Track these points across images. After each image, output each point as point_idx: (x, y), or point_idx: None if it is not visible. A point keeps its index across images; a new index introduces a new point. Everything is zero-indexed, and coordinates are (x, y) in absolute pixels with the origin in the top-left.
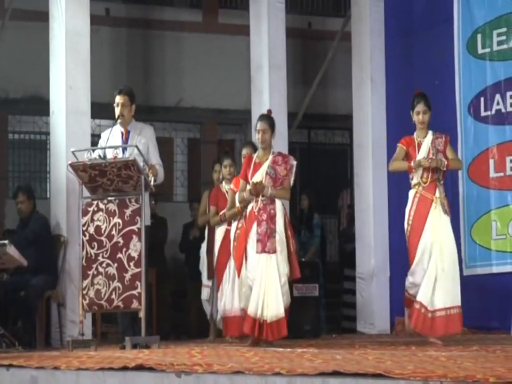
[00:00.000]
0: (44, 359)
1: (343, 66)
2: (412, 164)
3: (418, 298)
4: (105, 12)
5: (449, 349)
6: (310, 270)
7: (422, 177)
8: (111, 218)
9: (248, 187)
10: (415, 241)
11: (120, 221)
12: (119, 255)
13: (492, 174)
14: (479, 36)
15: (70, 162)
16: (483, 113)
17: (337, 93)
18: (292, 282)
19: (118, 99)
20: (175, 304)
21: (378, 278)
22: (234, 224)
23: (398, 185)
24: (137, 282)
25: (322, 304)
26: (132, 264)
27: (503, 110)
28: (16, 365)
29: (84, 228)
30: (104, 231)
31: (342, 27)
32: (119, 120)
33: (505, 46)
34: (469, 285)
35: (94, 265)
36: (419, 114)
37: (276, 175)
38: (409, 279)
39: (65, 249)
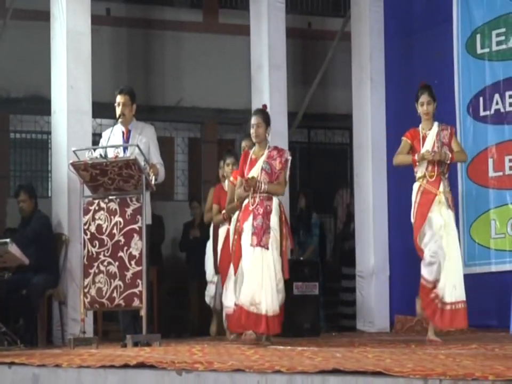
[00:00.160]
0: (45, 357)
1: (343, 66)
2: (416, 157)
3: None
4: (106, 11)
5: (449, 347)
6: (309, 268)
7: (426, 170)
8: (112, 217)
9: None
10: (418, 226)
11: (121, 219)
12: (120, 253)
13: (491, 173)
14: (478, 36)
15: (71, 161)
16: (482, 113)
17: (337, 92)
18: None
19: (119, 98)
20: (176, 303)
21: (378, 277)
22: (234, 217)
23: (397, 185)
24: (138, 280)
25: (321, 303)
26: (133, 262)
27: (502, 110)
28: (18, 363)
29: (85, 227)
30: (105, 230)
31: (341, 27)
32: (120, 120)
33: (504, 46)
34: (468, 283)
35: (95, 264)
36: (423, 105)
37: (271, 170)
38: (425, 269)
39: (67, 248)
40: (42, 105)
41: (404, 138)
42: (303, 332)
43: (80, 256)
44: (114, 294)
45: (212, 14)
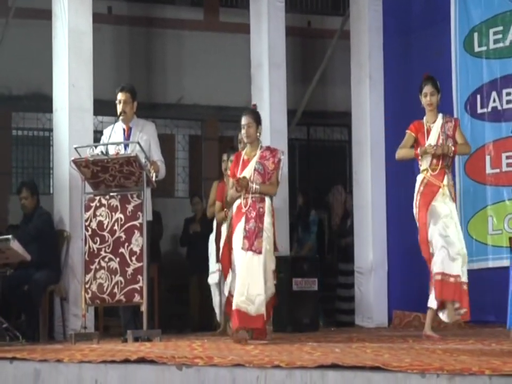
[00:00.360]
0: (47, 352)
1: (342, 64)
2: (418, 151)
3: (436, 270)
4: (108, 10)
5: (446, 342)
6: (309, 264)
7: (431, 163)
8: (113, 214)
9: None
10: (422, 218)
11: (122, 216)
12: (121, 249)
13: (488, 170)
14: (475, 35)
15: (72, 158)
16: (479, 110)
17: (336, 90)
18: None
19: (120, 96)
20: (176, 299)
21: (376, 273)
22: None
23: (396, 181)
24: (139, 276)
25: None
26: (133, 258)
27: (499, 107)
28: (20, 358)
29: (87, 223)
30: (107, 226)
31: (341, 26)
32: (121, 117)
33: (501, 44)
34: None
35: (97, 260)
36: (427, 96)
37: (264, 170)
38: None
39: (68, 244)
40: (44, 102)
41: (407, 131)
42: (302, 327)
43: (81, 252)
44: (115, 290)
45: (213, 12)
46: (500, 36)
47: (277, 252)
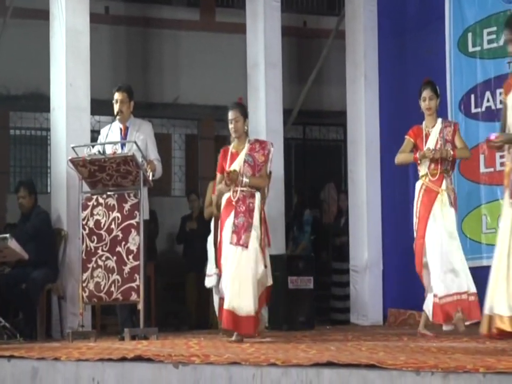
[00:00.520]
0: (44, 350)
1: (338, 64)
2: (417, 155)
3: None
4: (105, 10)
5: (440, 340)
6: (304, 263)
7: (429, 168)
8: (110, 213)
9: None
10: (421, 231)
11: (119, 215)
12: (118, 248)
13: (482, 169)
14: (469, 35)
15: (70, 157)
16: (473, 110)
17: (331, 90)
18: None
19: (117, 96)
20: (172, 297)
21: (371, 271)
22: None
23: (391, 180)
24: (136, 275)
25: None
26: (130, 257)
27: (493, 107)
28: (17, 356)
29: (84, 222)
30: (104, 225)
31: (336, 26)
32: (118, 117)
33: (495, 45)
34: None
35: (94, 259)
36: (425, 100)
37: (254, 162)
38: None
39: (66, 243)
40: (41, 102)
41: (406, 137)
42: (297, 325)
43: (78, 251)
44: (112, 288)
45: (209, 12)
46: (493, 36)
47: (269, 247)
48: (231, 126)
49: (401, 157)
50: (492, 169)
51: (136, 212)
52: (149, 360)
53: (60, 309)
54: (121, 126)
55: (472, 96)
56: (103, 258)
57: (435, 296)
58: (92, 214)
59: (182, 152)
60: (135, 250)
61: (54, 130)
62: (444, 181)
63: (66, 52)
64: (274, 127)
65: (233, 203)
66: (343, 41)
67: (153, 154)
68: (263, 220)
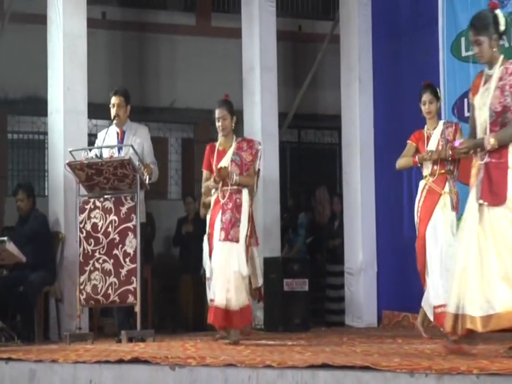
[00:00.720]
0: (42, 353)
1: (332, 68)
2: (417, 158)
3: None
4: (102, 15)
5: (434, 341)
6: (299, 265)
7: (432, 169)
8: (107, 216)
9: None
10: (422, 232)
11: (116, 218)
12: (115, 251)
13: None
14: (463, 39)
15: (67, 161)
16: (467, 114)
17: (326, 93)
18: None
19: (114, 100)
20: (169, 299)
21: (366, 273)
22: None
23: (385, 183)
24: (133, 277)
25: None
26: (127, 260)
27: None
28: (15, 358)
29: (81, 225)
30: (101, 228)
31: (331, 30)
32: (114, 121)
33: None
34: None
35: (91, 261)
36: (425, 104)
37: (241, 161)
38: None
39: (63, 246)
40: (39, 106)
41: (408, 141)
42: (293, 327)
43: (76, 253)
44: (109, 291)
45: (205, 17)
46: None
47: (257, 246)
48: (218, 124)
49: (402, 162)
50: None
51: (133, 215)
52: (145, 362)
53: (58, 311)
54: (118, 130)
55: (466, 100)
56: (100, 261)
57: (435, 307)
58: (89, 217)
59: (179, 155)
60: (132, 253)
61: (51, 134)
62: (447, 183)
63: (64, 56)
64: (270, 131)
65: (221, 202)
66: (337, 45)
67: (149, 158)
68: (250, 218)
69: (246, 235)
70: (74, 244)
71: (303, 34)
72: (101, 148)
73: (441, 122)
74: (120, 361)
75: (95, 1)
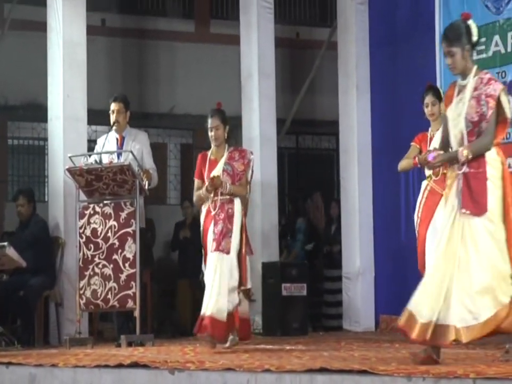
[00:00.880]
0: (42, 357)
1: (330, 74)
2: (416, 159)
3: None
4: (101, 22)
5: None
6: (297, 270)
7: (433, 169)
8: (107, 221)
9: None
10: (423, 233)
11: (115, 223)
12: (115, 256)
13: None
14: None
15: (67, 167)
16: None
17: (324, 99)
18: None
19: (113, 106)
20: (168, 304)
21: (363, 278)
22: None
23: (382, 188)
24: (132, 282)
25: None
26: (127, 265)
27: None
28: (15, 363)
29: (81, 230)
30: (100, 233)
31: (328, 37)
32: (114, 127)
33: (484, 55)
34: None
35: (91, 266)
36: (428, 107)
37: (233, 171)
38: None
39: (63, 251)
40: (39, 112)
41: (412, 143)
42: (291, 331)
43: (76, 258)
44: (109, 296)
45: (204, 24)
46: (483, 47)
47: (251, 255)
48: (211, 133)
49: (403, 163)
50: None
51: (132, 220)
52: (145, 366)
53: (57, 315)
54: (117, 136)
55: None
56: (100, 266)
57: None
58: (88, 223)
59: (178, 161)
60: (131, 258)
61: (51, 140)
62: None
63: (64, 63)
64: (268, 136)
65: (212, 213)
66: (335, 52)
67: (149, 163)
68: (244, 229)
69: (239, 245)
70: (74, 249)
71: (301, 41)
72: (100, 153)
73: None
74: (120, 366)
75: (94, 8)
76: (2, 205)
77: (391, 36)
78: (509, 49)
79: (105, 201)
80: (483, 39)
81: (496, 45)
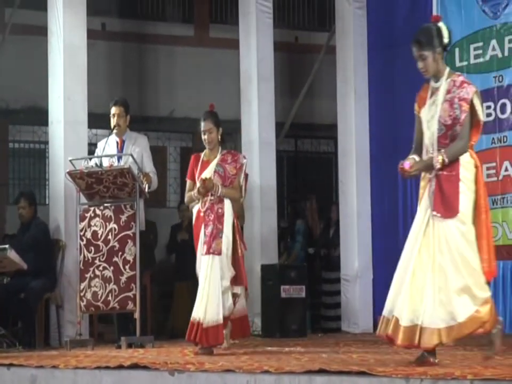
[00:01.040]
0: (43, 359)
1: (328, 78)
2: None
3: None
4: (101, 26)
5: None
6: (296, 272)
7: None
8: (107, 224)
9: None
10: None
11: (115, 226)
12: (115, 258)
13: None
14: (456, 50)
15: (68, 170)
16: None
17: (322, 103)
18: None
19: (114, 110)
20: (168, 306)
21: (362, 280)
22: None
23: (380, 191)
24: (132, 284)
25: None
26: (127, 267)
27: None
28: (17, 364)
29: (81, 233)
30: (101, 236)
31: (327, 41)
32: (115, 130)
33: (481, 60)
34: None
35: (91, 269)
36: None
37: (224, 173)
38: None
39: (64, 253)
40: (40, 116)
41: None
42: (290, 333)
43: (76, 261)
44: (109, 298)
45: (203, 28)
46: (480, 52)
47: (245, 250)
48: (204, 137)
49: None
50: None
51: (132, 223)
52: (145, 367)
53: (58, 317)
54: (117, 139)
55: None
56: (100, 268)
57: None
58: (89, 225)
59: (177, 164)
60: (131, 260)
61: (52, 144)
62: None
63: (64, 67)
64: (267, 140)
65: (202, 214)
66: (333, 56)
67: (149, 166)
68: (236, 228)
69: (232, 245)
70: (74, 252)
71: (300, 45)
72: (100, 157)
73: None
74: (120, 367)
75: (95, 12)
76: (3, 208)
77: (389, 40)
78: (506, 54)
79: (105, 204)
80: (480, 44)
81: (493, 49)
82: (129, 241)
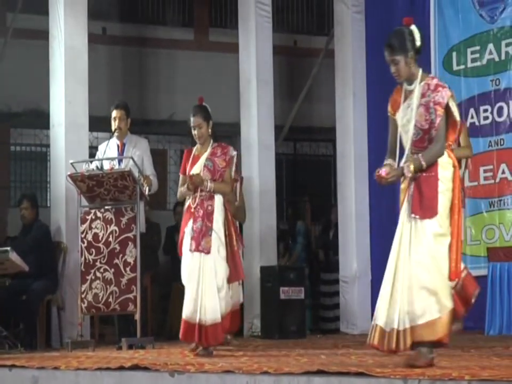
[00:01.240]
0: (44, 360)
1: (327, 82)
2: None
3: None
4: (102, 30)
5: None
6: (296, 274)
7: None
8: (108, 226)
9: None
10: None
11: (116, 228)
12: (116, 260)
13: (467, 183)
14: (454, 54)
15: (69, 173)
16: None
17: (321, 106)
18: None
19: (115, 113)
20: (166, 306)
21: (360, 281)
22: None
23: (379, 193)
24: (133, 286)
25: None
26: (128, 269)
27: (476, 123)
28: (18, 366)
29: (83, 235)
30: (102, 238)
31: (326, 45)
32: (116, 133)
33: (478, 63)
34: None
35: (92, 271)
36: None
37: (214, 167)
38: None
39: (65, 255)
40: (41, 119)
41: None
42: (289, 334)
43: (77, 263)
44: (110, 299)
45: (203, 32)
46: (477, 55)
47: (243, 247)
48: (194, 132)
49: None
50: (476, 183)
51: (133, 225)
52: (145, 369)
53: (59, 319)
54: (118, 142)
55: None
56: (101, 270)
57: None
58: (90, 228)
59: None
60: (132, 262)
61: (53, 147)
62: None
63: (65, 71)
64: (266, 143)
65: (192, 209)
66: (332, 60)
67: (149, 169)
68: (231, 222)
69: (223, 242)
70: (75, 254)
71: (299, 49)
72: (101, 160)
73: None
74: (121, 368)
75: (95, 17)
76: (5, 211)
77: None
78: (502, 57)
79: (106, 207)
80: (477, 48)
81: (490, 53)
82: (129, 243)
